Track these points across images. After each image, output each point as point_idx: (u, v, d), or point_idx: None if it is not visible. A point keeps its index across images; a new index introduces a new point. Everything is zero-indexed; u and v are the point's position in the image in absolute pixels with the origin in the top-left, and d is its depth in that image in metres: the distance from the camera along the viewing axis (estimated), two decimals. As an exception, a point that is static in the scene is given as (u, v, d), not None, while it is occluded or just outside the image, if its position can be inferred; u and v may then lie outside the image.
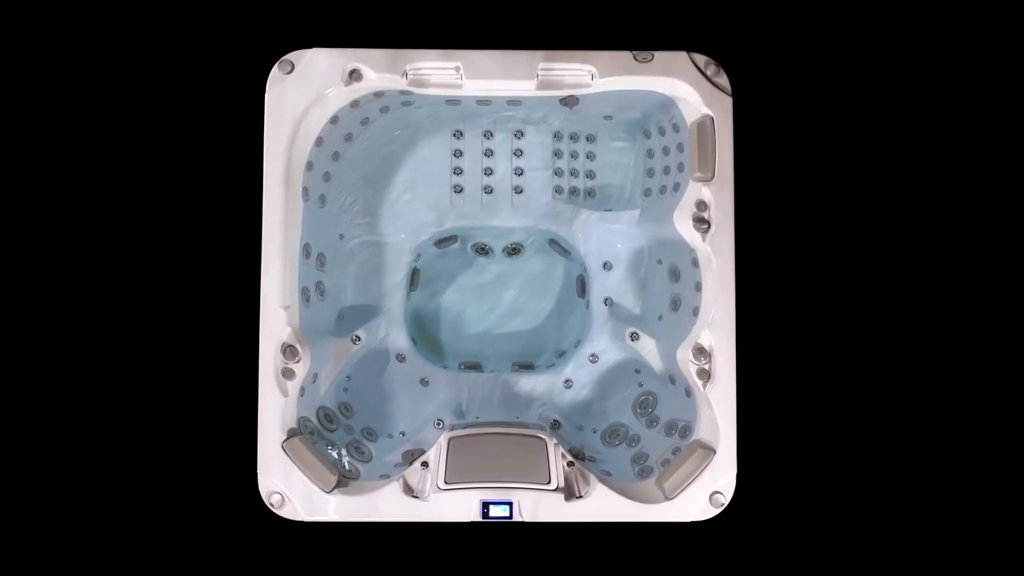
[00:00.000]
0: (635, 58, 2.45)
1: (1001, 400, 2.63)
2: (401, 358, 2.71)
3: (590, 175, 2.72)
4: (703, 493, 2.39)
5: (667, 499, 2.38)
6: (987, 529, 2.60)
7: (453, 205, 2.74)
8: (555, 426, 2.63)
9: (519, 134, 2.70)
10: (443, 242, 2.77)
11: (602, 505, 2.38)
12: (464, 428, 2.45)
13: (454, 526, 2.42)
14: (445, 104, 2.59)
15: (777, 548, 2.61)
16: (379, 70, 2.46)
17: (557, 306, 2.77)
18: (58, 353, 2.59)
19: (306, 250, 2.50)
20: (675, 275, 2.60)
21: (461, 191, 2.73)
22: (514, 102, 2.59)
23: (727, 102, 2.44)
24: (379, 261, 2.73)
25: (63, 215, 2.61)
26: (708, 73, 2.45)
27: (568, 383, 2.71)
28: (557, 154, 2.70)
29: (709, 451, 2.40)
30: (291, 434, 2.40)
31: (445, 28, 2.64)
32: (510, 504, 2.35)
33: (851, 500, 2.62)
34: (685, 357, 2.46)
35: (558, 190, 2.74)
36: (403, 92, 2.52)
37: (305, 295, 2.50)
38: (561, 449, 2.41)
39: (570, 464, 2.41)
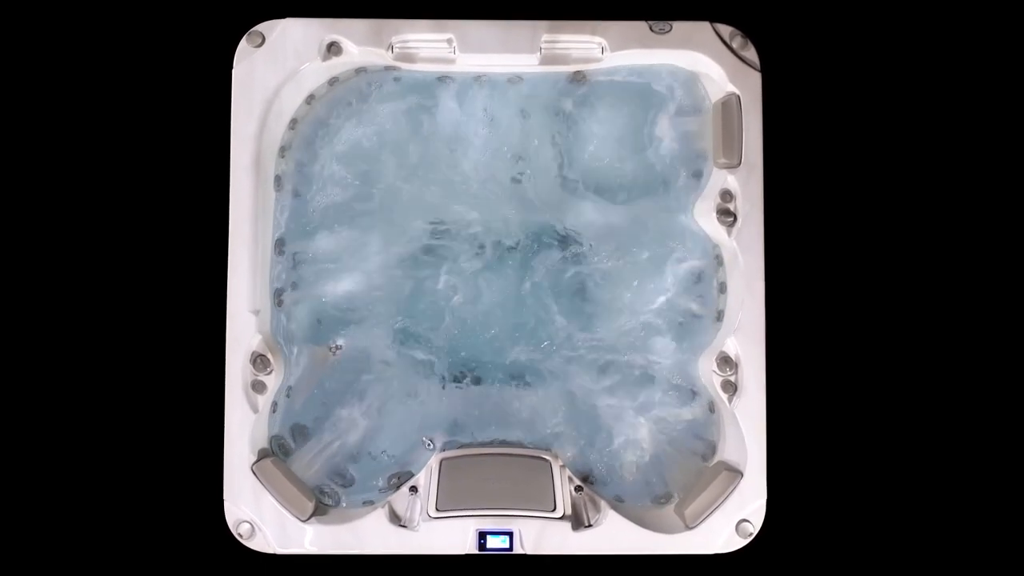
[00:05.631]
0: (651, 29, 2.46)
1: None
2: (387, 368, 2.62)
3: (600, 162, 2.65)
4: (729, 522, 2.37)
5: (688, 528, 2.37)
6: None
7: (446, 195, 2.66)
8: (561, 445, 2.54)
9: (520, 116, 2.63)
10: (435, 236, 2.68)
11: (614, 535, 2.36)
12: (458, 448, 2.45)
13: (447, 559, 2.39)
14: (436, 81, 2.56)
15: (811, 583, 2.56)
16: (361, 43, 2.45)
17: (563, 309, 2.67)
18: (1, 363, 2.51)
19: (278, 246, 2.49)
20: (696, 275, 2.56)
21: (455, 179, 2.65)
22: (514, 79, 2.56)
23: (755, 78, 2.44)
24: (361, 258, 2.64)
25: (5, 207, 2.53)
26: (734, 46, 2.45)
27: (576, 396, 2.61)
28: (563, 139, 2.63)
29: (735, 474, 2.38)
30: (262, 455, 2.38)
31: (436, -5, 2.61)
32: (510, 534, 2.34)
33: (894, 529, 2.54)
34: (708, 367, 2.45)
35: (564, 179, 2.66)
36: (388, 68, 2.50)
37: (277, 297, 2.49)
38: (568, 471, 2.40)
39: (578, 488, 2.39)
